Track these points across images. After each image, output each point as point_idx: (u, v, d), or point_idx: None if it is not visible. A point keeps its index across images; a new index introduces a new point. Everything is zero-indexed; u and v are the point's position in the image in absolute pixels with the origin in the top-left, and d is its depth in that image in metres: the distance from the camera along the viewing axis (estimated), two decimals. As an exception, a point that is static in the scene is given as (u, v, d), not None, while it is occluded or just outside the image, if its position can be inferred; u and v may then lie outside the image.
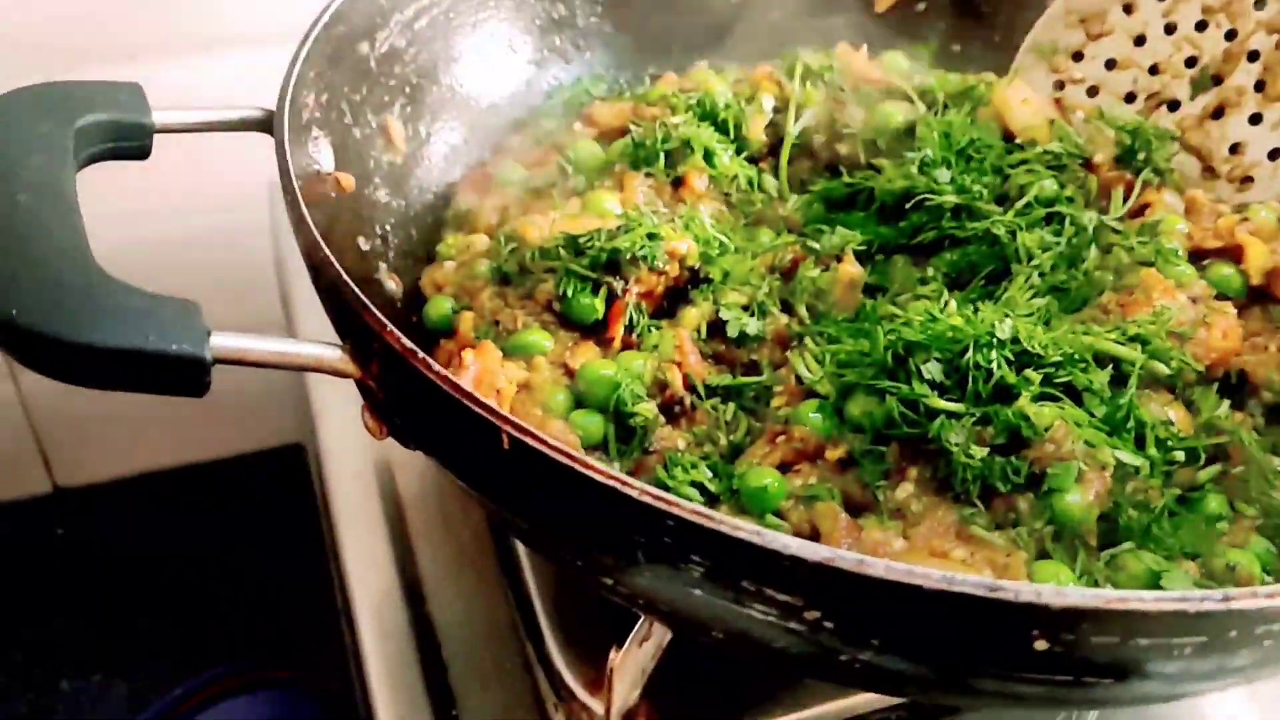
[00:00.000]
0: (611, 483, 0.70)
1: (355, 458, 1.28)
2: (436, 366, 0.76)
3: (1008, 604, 0.66)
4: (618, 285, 1.07)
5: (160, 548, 1.64)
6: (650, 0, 1.43)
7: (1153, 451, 0.96)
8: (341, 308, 0.82)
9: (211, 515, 1.57)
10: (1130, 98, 1.33)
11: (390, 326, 0.79)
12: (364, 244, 1.10)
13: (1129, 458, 0.92)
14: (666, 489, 0.96)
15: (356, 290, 0.81)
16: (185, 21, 1.42)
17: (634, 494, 0.69)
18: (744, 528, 0.68)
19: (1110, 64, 1.34)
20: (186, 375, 0.75)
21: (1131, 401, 0.96)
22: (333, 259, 0.83)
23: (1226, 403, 1.03)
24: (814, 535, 0.93)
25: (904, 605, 0.68)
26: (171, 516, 1.59)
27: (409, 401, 0.81)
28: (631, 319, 1.07)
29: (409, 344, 0.77)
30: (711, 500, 0.96)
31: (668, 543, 0.71)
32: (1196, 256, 1.13)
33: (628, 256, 1.06)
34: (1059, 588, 0.66)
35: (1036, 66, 1.37)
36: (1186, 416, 1.02)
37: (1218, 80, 1.28)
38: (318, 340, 0.81)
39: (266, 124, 1.00)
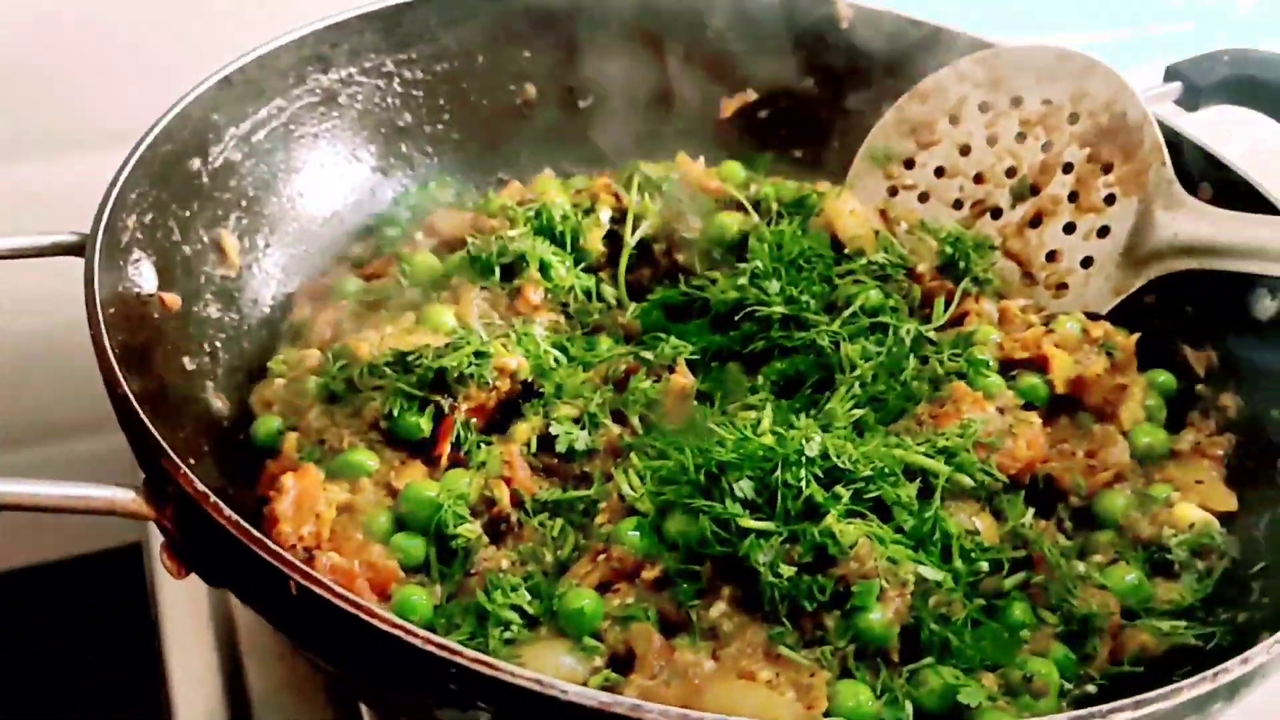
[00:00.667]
0: (394, 631, 0.70)
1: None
2: (228, 512, 0.76)
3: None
4: (445, 403, 1.08)
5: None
6: (495, 108, 1.46)
7: (958, 563, 0.99)
8: (139, 447, 0.82)
9: (49, 619, 1.53)
10: (958, 204, 1.39)
11: (184, 469, 0.78)
12: (189, 363, 1.10)
13: (930, 573, 0.96)
14: (486, 614, 0.97)
15: (153, 431, 0.81)
16: (5, 124, 1.39)
17: (418, 643, 0.70)
18: (523, 675, 0.69)
19: (939, 172, 1.41)
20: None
21: (937, 514, 1.00)
22: (132, 399, 0.83)
23: (1031, 511, 1.08)
24: (630, 656, 0.94)
25: (682, 748, 0.69)
26: (5, 620, 1.54)
27: (204, 544, 0.80)
28: (459, 436, 1.08)
29: (202, 488, 0.77)
30: (531, 623, 0.97)
31: (453, 689, 0.71)
32: (1007, 366, 1.18)
33: (455, 375, 1.08)
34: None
35: (871, 173, 1.43)
36: (993, 525, 1.06)
37: (1035, 190, 1.35)
38: (108, 484, 0.80)
39: (81, 249, 1.00)
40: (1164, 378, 1.24)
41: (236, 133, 1.23)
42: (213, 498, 0.76)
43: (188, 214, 1.15)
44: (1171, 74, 1.41)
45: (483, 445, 1.09)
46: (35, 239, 0.99)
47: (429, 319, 1.17)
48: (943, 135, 1.40)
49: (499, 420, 1.13)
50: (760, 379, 1.19)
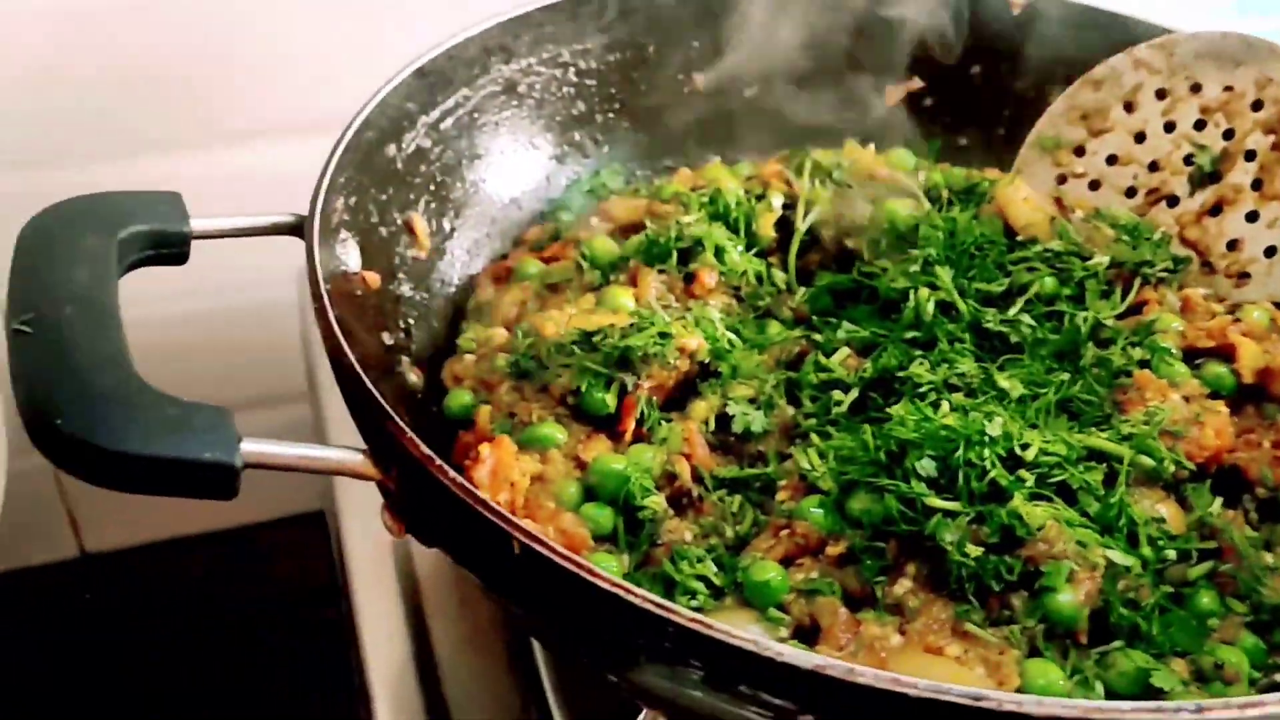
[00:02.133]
0: (615, 590, 0.74)
1: (374, 529, 1.32)
2: (453, 474, 0.81)
3: (992, 713, 0.69)
4: (630, 381, 1.11)
5: (184, 613, 1.68)
6: (665, 97, 1.49)
7: (1145, 550, 0.99)
8: (364, 414, 0.87)
9: (236, 582, 1.62)
10: (1130, 192, 1.38)
11: (410, 434, 0.83)
12: (388, 338, 1.15)
13: (1120, 557, 0.96)
14: (673, 583, 1.00)
15: (379, 398, 0.86)
16: (217, 113, 1.48)
17: (636, 601, 0.73)
18: (740, 636, 0.72)
19: (1111, 159, 1.39)
20: (218, 481, 0.80)
21: (1122, 500, 1.00)
22: (358, 367, 0.88)
23: (1219, 500, 1.06)
24: (815, 628, 0.96)
25: (893, 711, 0.71)
26: (196, 582, 1.63)
27: (427, 505, 0.85)
28: (642, 413, 1.11)
29: (427, 451, 0.82)
30: (717, 593, 1.00)
31: (668, 647, 0.74)
32: (1191, 355, 1.16)
33: (640, 354, 1.11)
34: (1039, 698, 0.69)
35: (1039, 161, 1.42)
36: (1179, 514, 1.05)
37: (1216, 178, 1.33)
38: (341, 446, 0.86)
39: (298, 229, 1.06)
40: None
41: (426, 120, 1.28)
42: (438, 460, 0.81)
43: (384, 197, 1.21)
44: None
45: (663, 422, 1.12)
46: (257, 219, 1.06)
47: (609, 300, 1.21)
48: (1116, 122, 1.39)
49: (677, 399, 1.16)
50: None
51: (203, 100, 1.45)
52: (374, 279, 1.15)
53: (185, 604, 1.66)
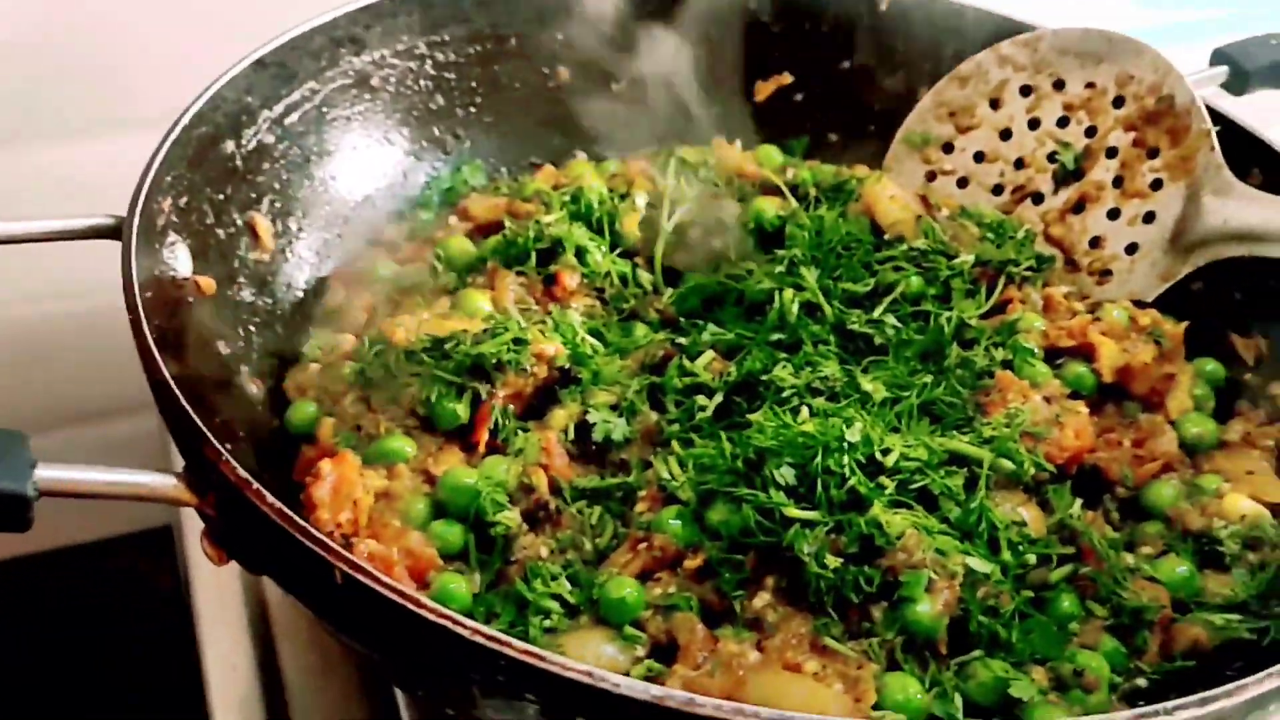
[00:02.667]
0: (443, 622, 0.69)
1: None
2: (271, 500, 0.75)
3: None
4: (484, 390, 1.06)
5: (26, 633, 1.58)
6: (529, 91, 1.44)
7: (1005, 555, 0.97)
8: (179, 434, 0.81)
9: (83, 600, 1.53)
10: (998, 189, 1.37)
11: (226, 456, 0.77)
12: (224, 348, 1.08)
13: (979, 564, 0.94)
14: (525, 602, 0.95)
15: (193, 416, 0.80)
16: (35, 108, 1.37)
17: (465, 634, 0.69)
18: (575, 668, 0.68)
19: (979, 157, 1.38)
20: (7, 512, 0.73)
21: (983, 504, 0.98)
22: (171, 383, 0.82)
23: (1079, 502, 1.06)
24: (673, 646, 0.93)
25: (735, 742, 0.67)
26: (39, 603, 1.54)
27: (246, 531, 0.79)
28: (497, 423, 1.06)
29: (244, 474, 0.76)
30: (572, 611, 0.96)
31: (501, 680, 0.70)
32: (1053, 355, 1.16)
33: (493, 361, 1.06)
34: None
35: (909, 158, 1.41)
36: (1040, 516, 1.04)
37: (1079, 175, 1.33)
38: (153, 470, 0.79)
39: (118, 232, 0.99)
40: (1212, 366, 1.21)
41: (269, 115, 1.22)
42: (255, 484, 0.75)
43: (221, 197, 1.14)
44: (1218, 57, 1.39)
45: (520, 432, 1.07)
46: (71, 222, 0.98)
47: (465, 304, 1.16)
48: (983, 119, 1.38)
49: (536, 407, 1.11)
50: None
51: (19, 93, 1.33)
52: (209, 284, 1.08)
53: (28, 623, 1.56)
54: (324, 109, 1.28)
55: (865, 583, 0.91)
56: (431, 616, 0.68)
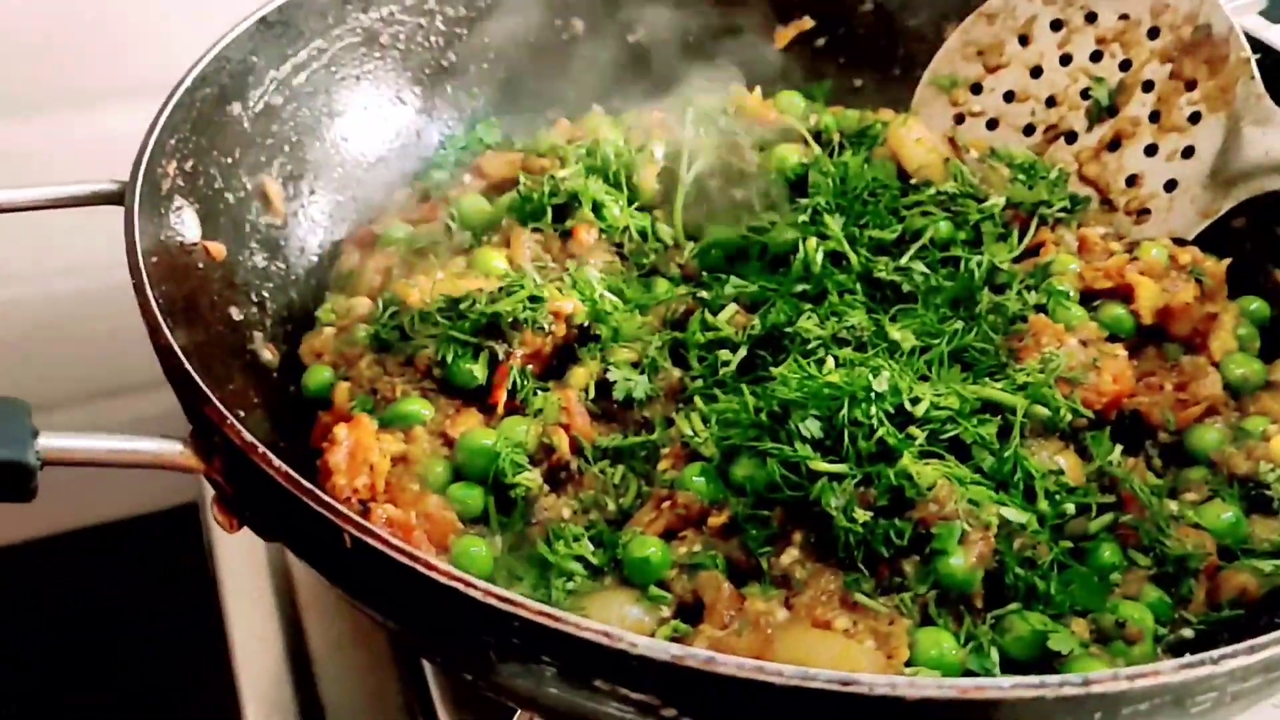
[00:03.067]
0: (454, 584, 0.67)
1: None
2: (277, 462, 0.73)
3: (863, 697, 0.63)
4: (500, 350, 1.04)
5: (56, 612, 1.58)
6: (543, 44, 1.41)
7: (1042, 505, 0.94)
8: (185, 398, 0.79)
9: (108, 579, 1.53)
10: (1029, 130, 1.32)
11: (230, 419, 0.75)
12: (236, 314, 1.07)
13: (1014, 515, 0.90)
14: (548, 564, 0.93)
15: (198, 379, 0.78)
16: (46, 74, 1.35)
17: (477, 595, 0.67)
18: (590, 627, 0.65)
19: (1009, 96, 1.33)
20: (8, 481, 0.71)
21: (1017, 453, 0.95)
22: (176, 348, 0.80)
23: (1119, 448, 1.02)
24: (699, 605, 0.90)
25: (759, 701, 0.65)
26: (68, 580, 1.54)
27: (255, 496, 0.77)
28: (515, 383, 1.04)
29: (249, 438, 0.74)
30: (595, 573, 0.94)
31: (516, 643, 0.68)
32: (1088, 297, 1.12)
33: (509, 320, 1.03)
34: (912, 680, 0.63)
35: (936, 100, 1.36)
36: (1078, 464, 1.00)
37: (1114, 111, 1.28)
38: (157, 436, 0.77)
39: (121, 197, 0.96)
40: (1257, 304, 1.16)
41: (276, 75, 1.19)
42: (261, 448, 0.73)
43: (229, 161, 1.12)
44: (1259, -18, 1.33)
45: (539, 392, 1.05)
46: (73, 188, 0.96)
47: (480, 263, 1.13)
48: (1012, 57, 1.33)
49: (555, 366, 1.09)
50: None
51: (21, 61, 1.30)
52: (218, 250, 1.06)
53: (52, 604, 1.56)
54: (332, 68, 1.26)
55: (896, 536, 0.88)
56: (443, 579, 0.66)
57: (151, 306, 0.83)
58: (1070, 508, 0.96)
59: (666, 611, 0.91)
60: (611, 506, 0.99)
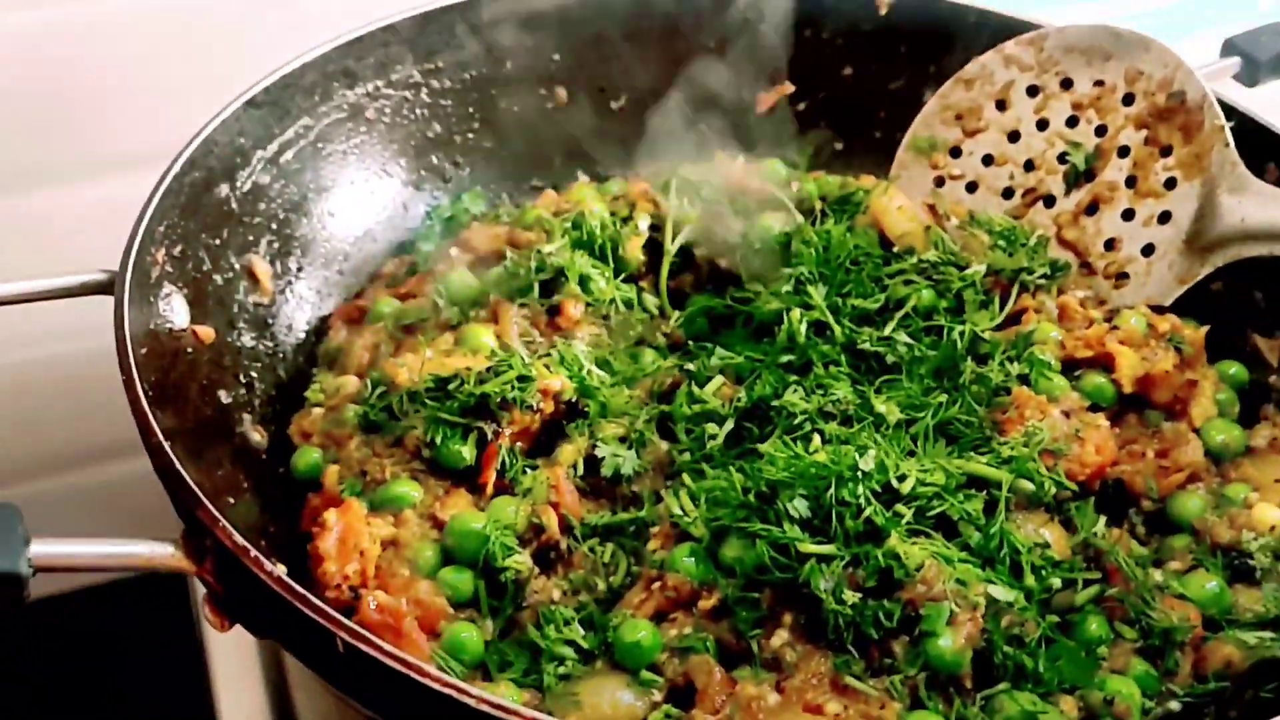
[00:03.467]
0: (448, 691, 0.67)
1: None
2: (269, 567, 0.73)
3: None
4: (489, 430, 1.05)
5: (43, 676, 1.56)
6: (528, 114, 1.42)
7: (1029, 580, 0.95)
8: (176, 499, 0.79)
9: (95, 643, 1.52)
10: (1008, 193, 1.34)
11: (223, 522, 0.76)
12: (225, 396, 1.07)
13: (1001, 593, 0.91)
14: (539, 649, 0.94)
15: (191, 483, 0.78)
16: (29, 152, 1.33)
17: (470, 702, 0.67)
18: (583, 734, 0.66)
19: (988, 160, 1.35)
20: (1, 592, 0.72)
21: (1003, 528, 0.96)
22: (166, 447, 0.80)
23: (1102, 519, 1.03)
24: (690, 689, 0.91)
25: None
26: (54, 644, 1.53)
27: (247, 598, 0.78)
28: (504, 463, 1.04)
29: (242, 542, 0.75)
30: (587, 657, 0.94)
31: (511, 748, 0.68)
32: (1070, 366, 1.13)
33: (498, 400, 1.04)
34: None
35: (916, 163, 1.38)
36: (1064, 536, 1.01)
37: (1091, 176, 1.30)
38: (148, 539, 0.78)
39: (111, 287, 0.97)
40: (1235, 369, 1.18)
41: (263, 155, 1.20)
42: (253, 552, 0.73)
43: (217, 242, 1.13)
44: (1229, 48, 1.35)
45: (528, 471, 1.05)
46: (64, 280, 0.97)
47: (468, 340, 1.14)
48: (990, 121, 1.35)
49: (544, 442, 1.09)
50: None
51: (4, 139, 1.31)
52: (207, 333, 1.06)
53: (33, 669, 1.55)
54: (319, 144, 1.27)
55: (885, 617, 0.89)
56: (437, 686, 0.67)
57: (142, 403, 0.84)
58: (1056, 581, 0.97)
59: (658, 695, 0.91)
60: (601, 586, 1.00)
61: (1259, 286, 1.21)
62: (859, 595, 0.90)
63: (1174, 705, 0.94)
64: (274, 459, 1.09)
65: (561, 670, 0.93)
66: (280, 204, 1.22)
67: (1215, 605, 0.98)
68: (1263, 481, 1.08)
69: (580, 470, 1.07)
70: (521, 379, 1.05)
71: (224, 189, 1.15)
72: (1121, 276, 1.26)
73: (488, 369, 1.06)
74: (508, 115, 1.42)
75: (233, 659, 1.18)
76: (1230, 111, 1.23)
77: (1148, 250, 1.25)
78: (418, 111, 1.37)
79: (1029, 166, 1.33)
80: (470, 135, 1.40)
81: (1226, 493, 1.07)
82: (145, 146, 1.12)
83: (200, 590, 1.20)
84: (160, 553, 0.77)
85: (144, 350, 0.93)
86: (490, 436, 1.05)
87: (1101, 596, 0.98)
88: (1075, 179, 1.30)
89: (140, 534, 0.80)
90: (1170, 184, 1.23)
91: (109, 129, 1.32)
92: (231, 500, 0.96)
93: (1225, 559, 1.02)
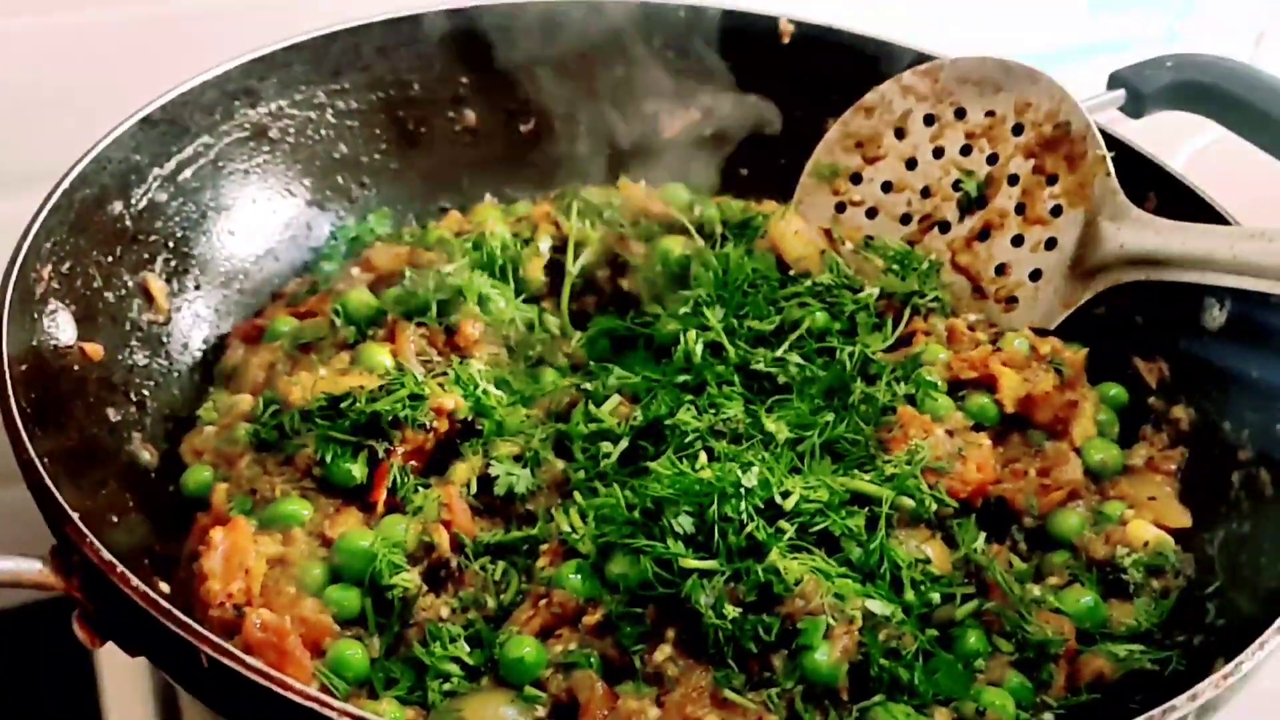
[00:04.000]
0: (310, 704, 0.67)
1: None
2: (135, 582, 0.73)
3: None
4: (380, 448, 1.05)
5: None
6: (435, 135, 1.43)
7: (909, 595, 0.97)
8: (47, 514, 0.79)
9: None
10: (906, 219, 1.37)
11: (90, 538, 0.75)
12: (114, 414, 1.06)
13: (879, 607, 0.93)
14: (425, 666, 0.94)
15: (59, 498, 0.78)
16: None
17: (334, 716, 0.67)
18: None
19: (886, 186, 1.39)
20: None
21: (883, 544, 0.98)
22: (36, 462, 0.79)
23: (982, 536, 1.06)
24: (574, 704, 0.91)
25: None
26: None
27: (116, 615, 0.77)
28: (396, 481, 1.05)
29: (108, 557, 0.74)
30: (473, 674, 0.94)
31: (375, 760, 0.68)
32: (956, 387, 1.16)
33: (389, 419, 1.04)
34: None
35: (818, 189, 1.41)
36: (945, 552, 1.04)
37: (982, 202, 1.33)
38: (13, 554, 0.77)
39: (-9, 304, 0.96)
40: (1115, 391, 1.22)
41: (160, 173, 1.19)
42: (119, 567, 0.73)
43: (110, 259, 1.12)
44: (1116, 81, 1.40)
45: (420, 489, 1.05)
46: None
47: (364, 359, 1.14)
48: (889, 149, 1.39)
49: (439, 460, 1.10)
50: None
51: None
52: (95, 350, 1.06)
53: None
54: (220, 163, 1.26)
55: (764, 631, 0.90)
56: (299, 699, 0.67)
57: (14, 419, 0.83)
58: (936, 596, 0.99)
59: (542, 711, 0.92)
60: (491, 604, 1.00)
61: (1139, 311, 1.25)
62: (739, 610, 0.91)
63: (1047, 716, 0.96)
64: (165, 478, 1.08)
65: (447, 687, 0.93)
66: (178, 222, 1.21)
67: (1090, 619, 1.01)
68: (1138, 499, 1.11)
69: (474, 489, 1.07)
70: (414, 397, 1.06)
71: (117, 206, 1.14)
72: (1011, 300, 1.30)
73: (380, 387, 1.07)
74: (415, 137, 1.43)
75: (123, 678, 1.16)
76: (1113, 142, 1.28)
77: (1035, 275, 1.29)
78: (323, 132, 1.37)
79: (926, 193, 1.37)
80: (377, 156, 1.41)
81: (1104, 510, 1.10)
82: (39, 165, 1.11)
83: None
84: (26, 568, 0.77)
85: (23, 366, 0.92)
86: (382, 455, 1.05)
87: (980, 610, 1.01)
88: (968, 206, 1.34)
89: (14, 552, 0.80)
90: (1056, 211, 1.27)
91: (4, 146, 1.30)
92: (115, 519, 0.95)
93: (1100, 574, 1.05)
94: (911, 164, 1.37)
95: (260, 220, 1.31)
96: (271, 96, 1.30)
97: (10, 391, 0.85)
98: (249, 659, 0.69)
